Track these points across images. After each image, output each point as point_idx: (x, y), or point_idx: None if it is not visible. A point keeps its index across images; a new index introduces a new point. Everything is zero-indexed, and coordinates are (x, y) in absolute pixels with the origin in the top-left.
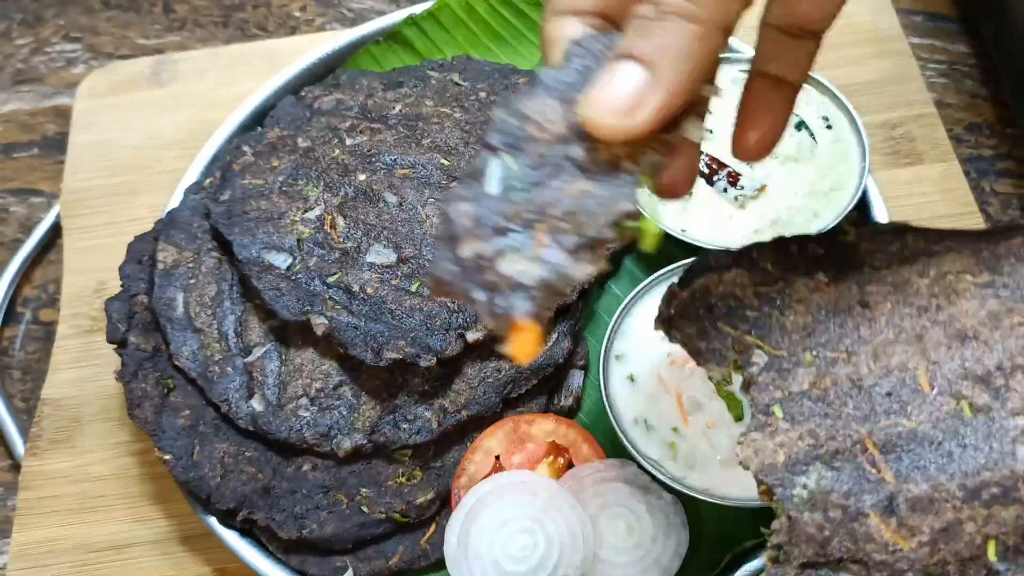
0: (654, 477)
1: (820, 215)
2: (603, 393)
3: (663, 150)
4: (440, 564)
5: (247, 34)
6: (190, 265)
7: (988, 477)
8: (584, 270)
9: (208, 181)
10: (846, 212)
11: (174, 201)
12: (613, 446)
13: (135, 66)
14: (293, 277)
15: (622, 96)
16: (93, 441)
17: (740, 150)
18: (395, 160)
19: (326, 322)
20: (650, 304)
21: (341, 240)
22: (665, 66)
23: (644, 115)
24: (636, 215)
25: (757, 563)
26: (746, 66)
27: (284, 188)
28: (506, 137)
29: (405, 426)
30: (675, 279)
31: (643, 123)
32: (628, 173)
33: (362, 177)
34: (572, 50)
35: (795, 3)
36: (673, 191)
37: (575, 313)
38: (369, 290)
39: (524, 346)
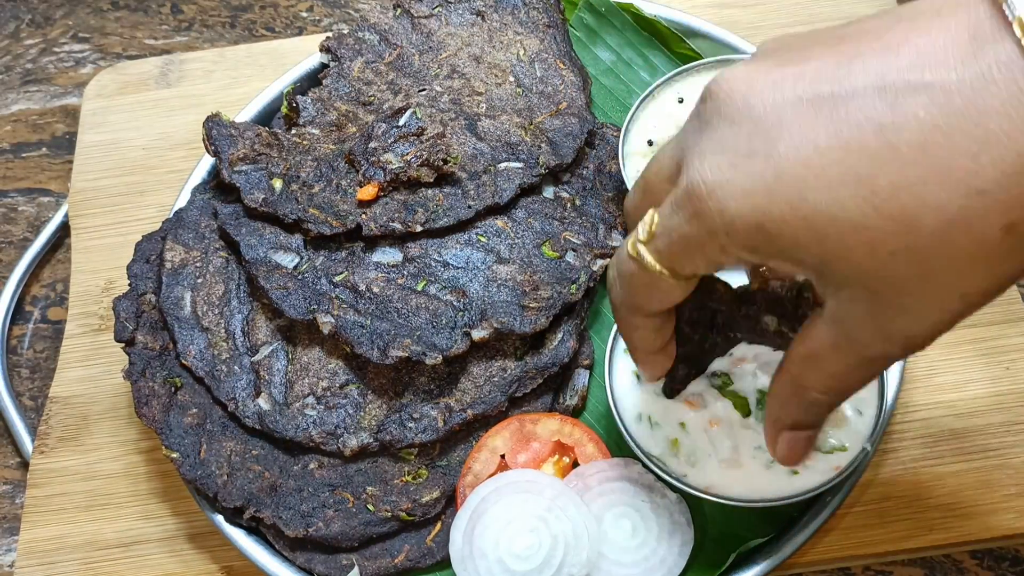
0: (658, 476)
1: None
2: (608, 390)
3: None
4: (445, 562)
5: (255, 35)
6: (198, 264)
7: None
8: None
9: (215, 181)
10: None
11: (182, 201)
12: (618, 445)
13: (143, 66)
14: (300, 276)
15: None
16: (101, 439)
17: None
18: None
19: (332, 321)
20: None
21: None
22: None
23: None
24: None
25: (762, 564)
26: None
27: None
28: None
29: (411, 425)
30: None
31: None
32: None
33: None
34: None
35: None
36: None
37: (580, 312)
38: (376, 289)
39: None
